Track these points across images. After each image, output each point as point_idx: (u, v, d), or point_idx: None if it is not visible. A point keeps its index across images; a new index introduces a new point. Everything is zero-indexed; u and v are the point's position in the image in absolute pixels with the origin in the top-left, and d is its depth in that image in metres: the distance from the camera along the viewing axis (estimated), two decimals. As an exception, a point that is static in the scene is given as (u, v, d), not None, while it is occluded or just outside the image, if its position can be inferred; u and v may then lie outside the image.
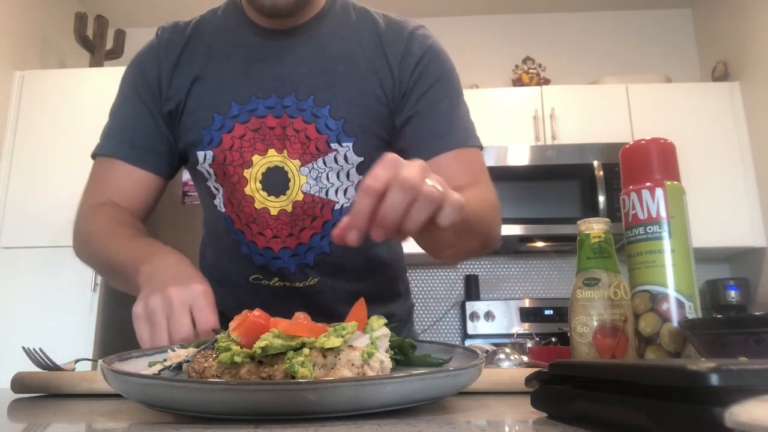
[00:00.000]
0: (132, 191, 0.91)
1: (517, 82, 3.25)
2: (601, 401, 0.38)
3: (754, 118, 2.89)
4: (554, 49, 3.43)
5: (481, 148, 0.90)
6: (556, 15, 3.52)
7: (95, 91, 2.81)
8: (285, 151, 0.87)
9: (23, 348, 0.73)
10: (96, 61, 3.05)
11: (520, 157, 2.84)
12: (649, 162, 0.62)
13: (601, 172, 2.77)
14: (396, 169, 0.50)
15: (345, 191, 0.89)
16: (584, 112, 2.95)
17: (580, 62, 3.40)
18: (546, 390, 0.44)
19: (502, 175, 2.76)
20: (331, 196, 0.88)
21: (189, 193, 2.49)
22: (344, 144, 0.86)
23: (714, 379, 0.29)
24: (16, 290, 2.62)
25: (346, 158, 0.87)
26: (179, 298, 0.67)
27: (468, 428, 0.41)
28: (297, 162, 0.87)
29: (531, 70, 3.26)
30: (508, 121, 2.92)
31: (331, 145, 0.86)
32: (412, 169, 0.50)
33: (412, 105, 0.88)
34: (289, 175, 0.87)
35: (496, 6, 3.46)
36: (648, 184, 0.61)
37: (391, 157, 0.51)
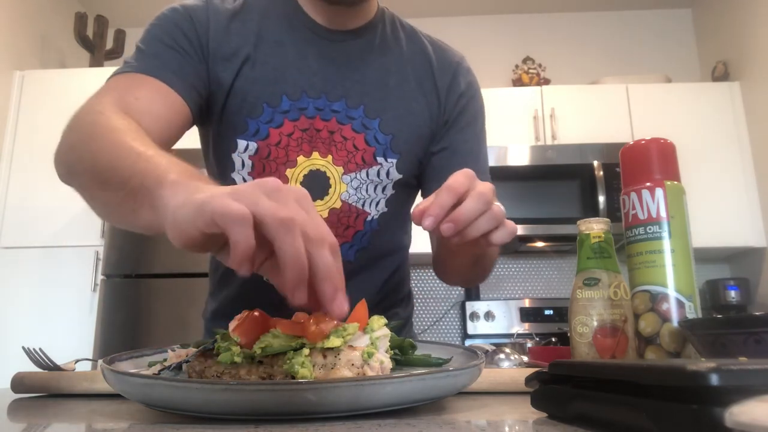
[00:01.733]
0: (164, 112, 0.75)
1: (517, 82, 3.25)
2: (601, 401, 0.38)
3: (754, 118, 2.89)
4: (554, 49, 3.43)
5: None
6: (556, 15, 3.52)
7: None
8: (330, 156, 0.85)
9: (23, 348, 0.73)
10: (96, 61, 3.05)
11: (520, 157, 2.84)
12: (649, 162, 0.62)
13: (601, 172, 2.77)
14: (473, 181, 0.58)
15: (377, 204, 0.89)
16: (584, 112, 2.95)
17: (580, 62, 3.40)
18: (546, 390, 0.44)
19: (502, 175, 2.76)
20: (366, 207, 0.88)
21: (189, 193, 2.49)
22: (389, 159, 0.87)
23: (714, 379, 0.29)
24: (16, 290, 2.62)
25: (388, 173, 0.88)
26: (287, 188, 0.44)
27: (468, 428, 0.41)
28: (341, 169, 0.86)
29: (531, 70, 3.26)
30: (508, 121, 2.92)
31: (377, 158, 0.86)
32: (486, 186, 0.58)
33: (449, 138, 0.92)
34: (331, 181, 0.86)
35: (496, 6, 3.46)
36: (648, 184, 0.61)
37: (469, 171, 0.59)
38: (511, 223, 0.60)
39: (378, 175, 0.87)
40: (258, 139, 0.84)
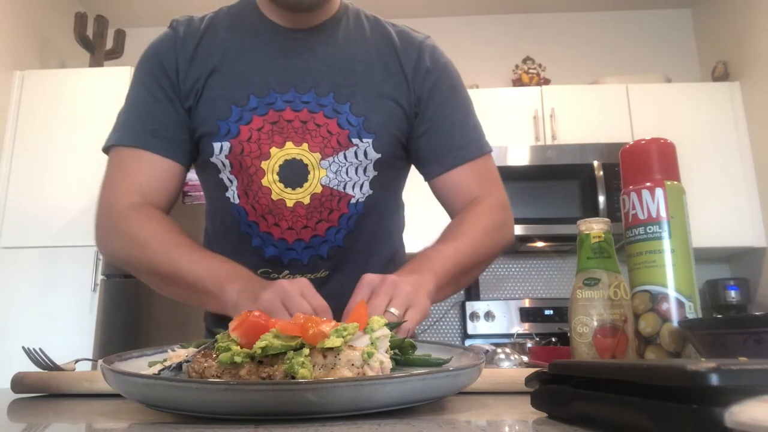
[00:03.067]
0: (163, 184, 0.90)
1: (517, 82, 3.25)
2: (601, 401, 0.38)
3: (754, 118, 2.89)
4: (554, 49, 3.43)
5: (491, 150, 0.98)
6: (556, 15, 3.52)
7: (95, 91, 2.81)
8: (305, 144, 0.88)
9: (23, 348, 0.74)
10: (96, 61, 3.05)
11: (520, 157, 2.84)
12: (649, 162, 0.62)
13: (601, 172, 2.77)
14: (364, 296, 0.69)
15: (361, 186, 0.91)
16: (584, 112, 2.95)
17: (580, 62, 3.40)
18: (546, 390, 0.44)
19: (502, 175, 2.74)
20: (348, 190, 0.91)
21: (189, 193, 2.49)
22: (365, 140, 0.89)
23: (714, 379, 0.29)
24: (16, 290, 2.62)
25: (365, 153, 0.90)
26: (291, 286, 0.69)
27: (468, 428, 0.41)
28: (318, 155, 0.88)
29: (531, 70, 3.26)
30: (508, 121, 2.92)
31: (353, 140, 0.89)
32: (379, 300, 0.68)
33: (428, 118, 0.94)
34: (309, 167, 0.89)
35: (496, 6, 3.46)
36: (648, 184, 0.61)
37: (366, 280, 0.72)
38: (408, 326, 0.68)
39: (356, 156, 0.90)
40: (230, 138, 0.88)
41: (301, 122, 0.88)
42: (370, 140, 0.89)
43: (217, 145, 0.89)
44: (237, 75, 0.89)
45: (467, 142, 0.95)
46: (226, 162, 0.89)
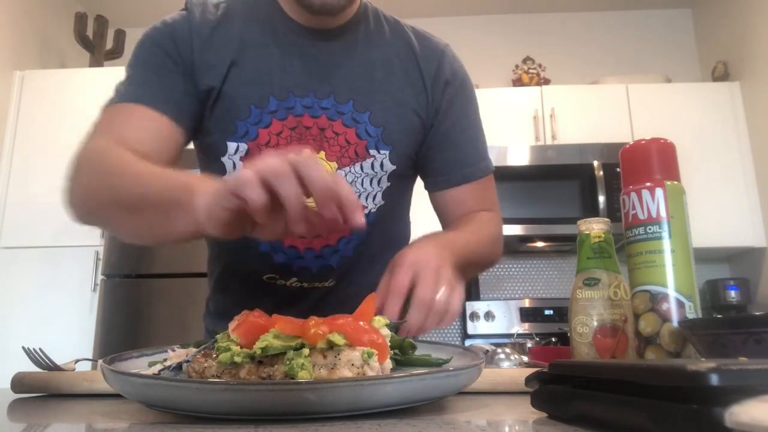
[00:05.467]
0: (161, 143, 0.80)
1: (517, 82, 3.25)
2: (601, 401, 0.38)
3: (754, 118, 2.89)
4: (554, 49, 3.43)
5: (494, 170, 1.00)
6: (556, 15, 3.52)
7: (95, 91, 2.81)
8: (322, 152, 0.86)
9: (23, 348, 0.73)
10: (96, 61, 3.05)
11: (520, 157, 2.84)
12: (649, 162, 0.62)
13: (601, 172, 2.77)
14: (412, 277, 0.68)
15: (374, 197, 0.90)
16: (584, 112, 2.95)
17: (580, 62, 3.40)
18: (546, 390, 0.44)
19: (502, 175, 2.73)
20: (362, 201, 0.88)
21: (189, 193, 2.49)
22: (382, 151, 0.87)
23: (714, 379, 0.29)
24: (16, 290, 2.62)
25: (382, 165, 0.88)
26: (282, 153, 0.53)
27: (468, 428, 0.41)
28: (334, 164, 0.86)
29: (531, 70, 3.26)
30: (508, 121, 2.92)
31: (370, 151, 0.87)
32: (426, 285, 0.67)
33: (444, 131, 0.93)
34: None
35: (496, 6, 3.46)
36: (648, 184, 0.61)
37: (409, 260, 0.70)
38: (454, 305, 0.68)
39: (372, 167, 0.88)
40: (247, 140, 0.85)
41: (319, 129, 0.86)
42: (387, 152, 0.88)
43: (232, 145, 0.85)
44: (256, 72, 0.85)
45: (478, 160, 0.95)
46: (239, 164, 0.86)
